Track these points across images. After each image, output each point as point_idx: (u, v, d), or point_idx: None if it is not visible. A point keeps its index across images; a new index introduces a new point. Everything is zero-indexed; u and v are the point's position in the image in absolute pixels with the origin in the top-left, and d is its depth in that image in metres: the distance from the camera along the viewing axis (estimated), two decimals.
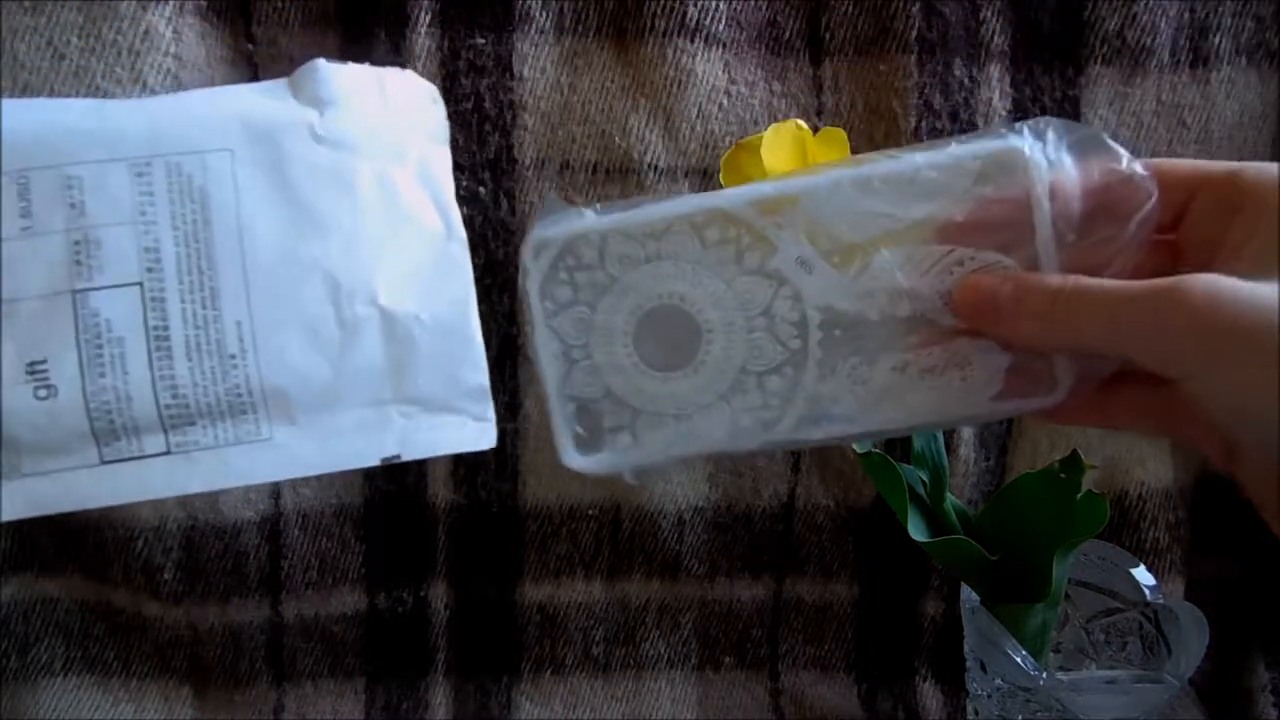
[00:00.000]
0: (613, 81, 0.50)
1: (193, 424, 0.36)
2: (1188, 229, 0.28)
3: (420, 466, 0.52)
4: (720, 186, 0.42)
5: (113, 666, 0.53)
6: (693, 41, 0.49)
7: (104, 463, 0.36)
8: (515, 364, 0.51)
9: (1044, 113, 0.51)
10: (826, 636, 0.56)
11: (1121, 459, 0.54)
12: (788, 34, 0.50)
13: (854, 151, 0.40)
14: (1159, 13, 0.50)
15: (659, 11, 0.49)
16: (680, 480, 0.53)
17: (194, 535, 0.50)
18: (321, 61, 0.39)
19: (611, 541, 0.54)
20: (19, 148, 0.35)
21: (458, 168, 0.46)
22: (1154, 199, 0.27)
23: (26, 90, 0.45)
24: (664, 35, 0.49)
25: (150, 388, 0.35)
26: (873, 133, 0.51)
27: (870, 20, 0.50)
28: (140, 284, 0.36)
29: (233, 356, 0.36)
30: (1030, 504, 0.45)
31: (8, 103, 0.36)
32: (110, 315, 0.35)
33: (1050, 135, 0.28)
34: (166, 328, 0.36)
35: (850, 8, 0.50)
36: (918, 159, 0.29)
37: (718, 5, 0.49)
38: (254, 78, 0.48)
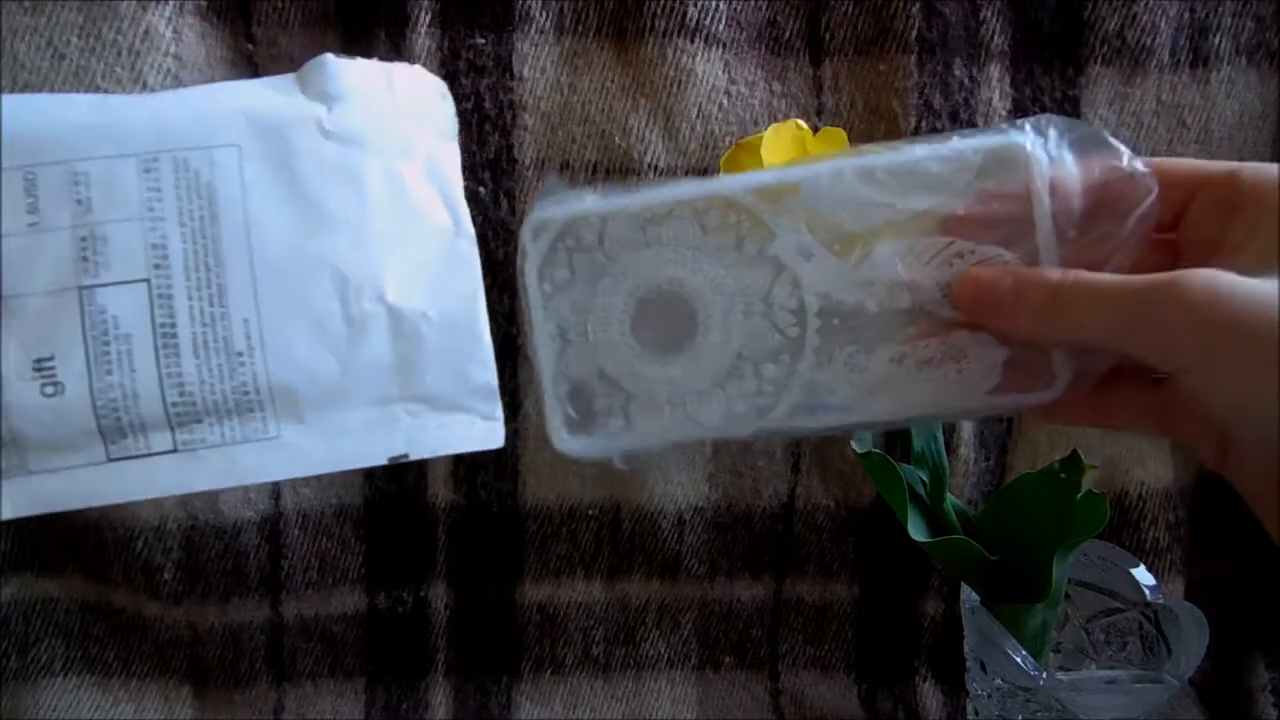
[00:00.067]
0: (613, 81, 0.50)
1: (199, 422, 0.36)
2: (1187, 228, 0.28)
3: (420, 466, 0.52)
4: None
5: (113, 666, 0.53)
6: (693, 41, 0.49)
7: (110, 460, 0.36)
8: (515, 364, 0.51)
9: (1044, 113, 0.51)
10: (826, 636, 0.56)
11: (1121, 459, 0.54)
12: (788, 34, 0.50)
13: None
14: (1159, 13, 0.50)
15: (659, 11, 0.49)
16: (680, 480, 0.53)
17: (194, 535, 0.50)
18: (329, 56, 0.38)
19: (611, 541, 0.54)
20: (25, 143, 0.35)
21: None
22: (1154, 195, 0.27)
23: (26, 90, 0.45)
24: (664, 35, 0.49)
25: (157, 385, 0.35)
26: (873, 133, 0.51)
27: (870, 20, 0.50)
28: (147, 281, 0.35)
29: (240, 354, 0.36)
30: (1030, 504, 0.45)
31: (14, 98, 0.36)
32: (117, 312, 0.35)
33: (1052, 132, 0.28)
34: (174, 325, 0.35)
35: (850, 8, 0.50)
36: (920, 151, 0.29)
37: (718, 5, 0.49)
38: (254, 77, 0.48)
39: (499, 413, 0.39)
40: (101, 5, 0.45)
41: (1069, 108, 0.51)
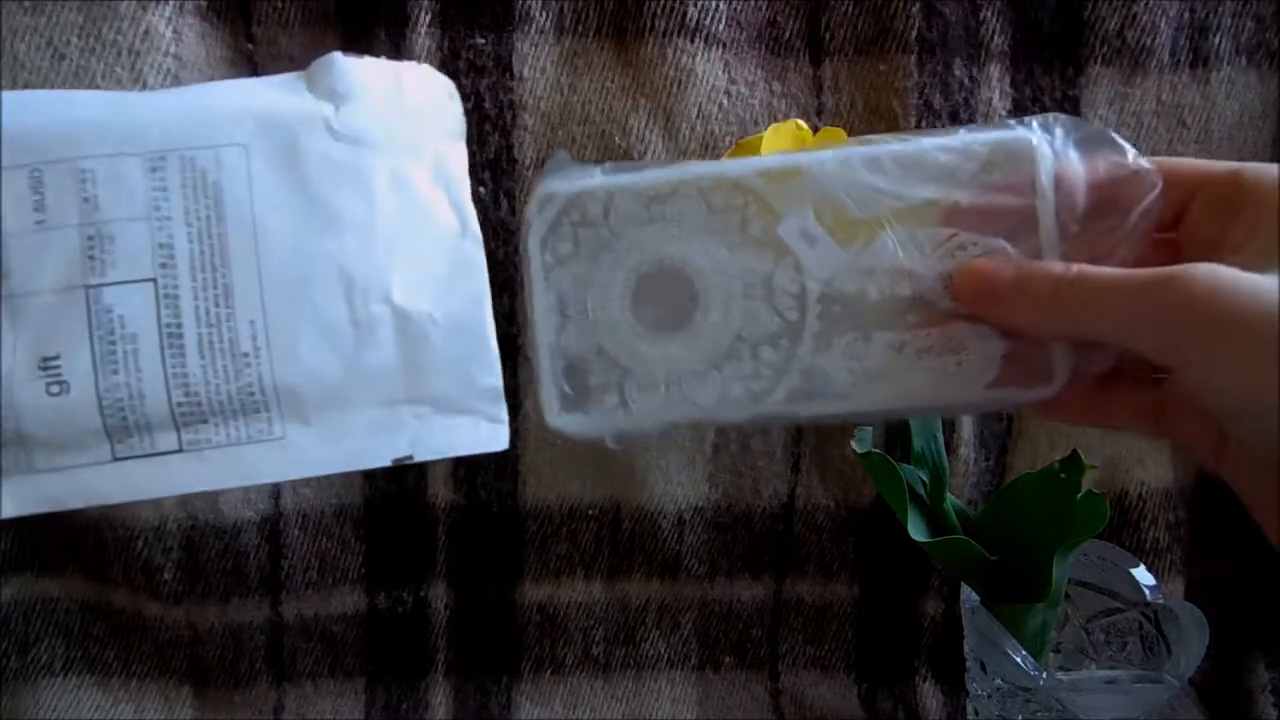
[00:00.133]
0: (613, 81, 0.50)
1: (205, 422, 0.36)
2: (1189, 228, 0.28)
3: (420, 466, 0.52)
4: None
5: (113, 666, 0.53)
6: (693, 41, 0.49)
7: (116, 459, 0.36)
8: (515, 364, 0.51)
9: (1044, 113, 0.51)
10: (826, 636, 0.56)
11: (1121, 459, 0.54)
12: (788, 34, 0.50)
13: None
14: (1159, 13, 0.50)
15: (659, 11, 0.49)
16: (680, 480, 0.53)
17: (194, 535, 0.50)
18: (338, 55, 0.38)
19: (611, 541, 0.54)
20: (32, 140, 0.35)
21: None
22: (1158, 190, 0.27)
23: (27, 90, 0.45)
24: (664, 35, 0.49)
25: (163, 385, 0.35)
26: (873, 133, 0.51)
27: (870, 20, 0.50)
28: (154, 280, 0.35)
29: (245, 355, 0.36)
30: (1030, 504, 0.45)
31: (19, 95, 0.36)
32: (123, 311, 0.35)
33: (1059, 130, 0.28)
34: (180, 325, 0.35)
35: (850, 8, 0.50)
36: (926, 142, 0.29)
37: (718, 5, 0.49)
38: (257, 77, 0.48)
39: (504, 415, 0.39)
40: (101, 5, 0.45)
41: (1069, 108, 0.51)
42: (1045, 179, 0.28)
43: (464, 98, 0.48)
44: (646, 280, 0.30)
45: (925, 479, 0.47)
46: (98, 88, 0.45)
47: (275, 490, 0.51)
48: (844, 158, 0.29)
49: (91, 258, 0.35)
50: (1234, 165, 0.27)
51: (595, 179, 0.30)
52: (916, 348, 0.29)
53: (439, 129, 0.40)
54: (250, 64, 0.48)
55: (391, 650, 0.54)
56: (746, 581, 0.55)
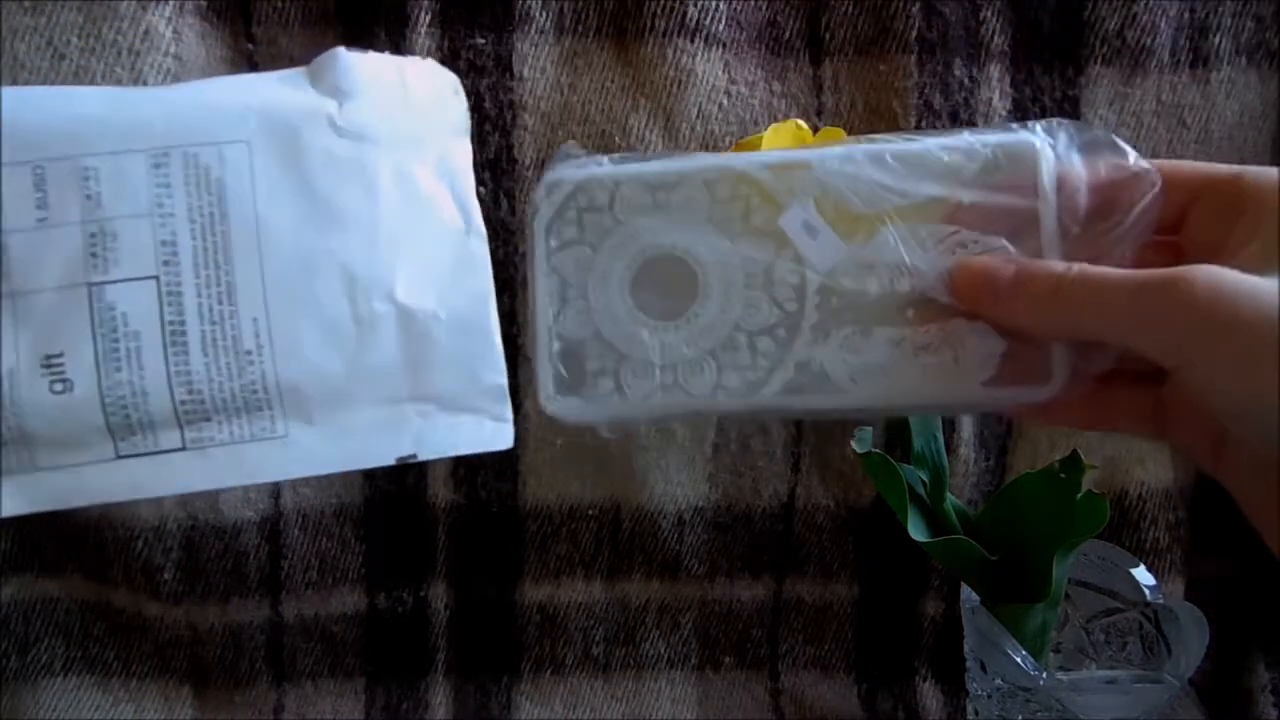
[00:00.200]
0: (613, 81, 0.50)
1: (208, 420, 0.36)
2: (1190, 230, 0.28)
3: (420, 466, 0.52)
4: None
5: (113, 666, 0.53)
6: (693, 41, 0.49)
7: (119, 457, 0.36)
8: (515, 364, 0.51)
9: (1044, 113, 0.51)
10: (826, 636, 0.56)
11: (1121, 459, 0.54)
12: (788, 34, 0.50)
13: None
14: (1159, 13, 0.50)
15: (659, 11, 0.49)
16: (680, 480, 0.53)
17: (194, 535, 0.50)
18: (341, 50, 0.38)
19: (611, 541, 0.54)
20: (34, 137, 0.35)
21: None
22: (1157, 189, 0.27)
23: None
24: (664, 35, 0.49)
25: (166, 383, 0.35)
26: (873, 133, 0.51)
27: (870, 20, 0.50)
28: (157, 278, 0.35)
29: (249, 353, 0.36)
30: (1030, 504, 0.45)
31: (21, 91, 0.36)
32: (126, 309, 0.35)
33: (1062, 135, 0.28)
34: (183, 323, 0.35)
35: (850, 8, 0.50)
36: (931, 141, 0.29)
37: (718, 5, 0.49)
38: None
39: (509, 414, 0.39)
40: (101, 5, 0.45)
41: (1069, 108, 0.51)
42: (1047, 180, 0.28)
43: None
44: (648, 267, 0.30)
45: (925, 479, 0.47)
46: None
47: (275, 490, 0.51)
48: (848, 153, 0.29)
49: (94, 255, 0.35)
50: (1236, 168, 0.27)
51: (603, 167, 0.31)
52: (914, 343, 0.29)
53: (443, 124, 0.39)
54: (250, 64, 0.48)
55: (391, 650, 0.54)
56: (746, 581, 0.55)
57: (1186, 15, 0.51)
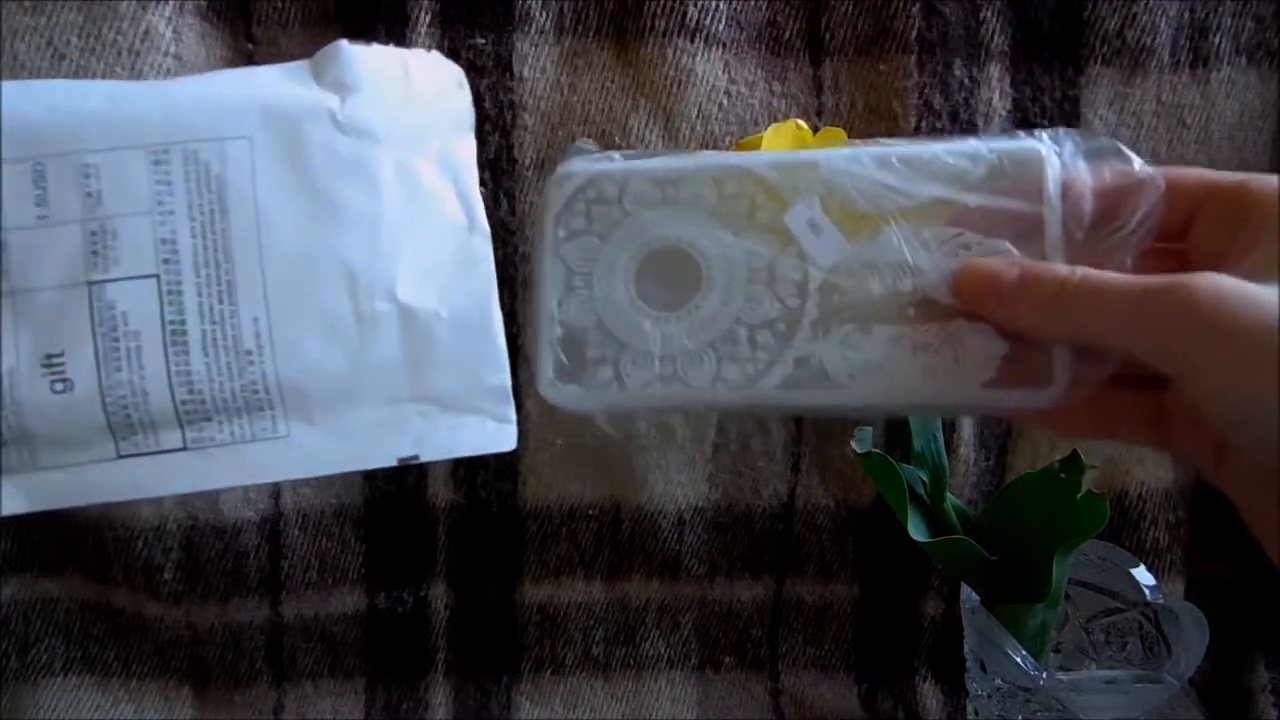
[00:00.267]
0: (613, 81, 0.50)
1: (209, 420, 0.36)
2: (1196, 238, 0.28)
3: (421, 466, 0.52)
4: None
5: (113, 666, 0.53)
6: (693, 41, 0.49)
7: (120, 457, 0.36)
8: (515, 364, 0.51)
9: (1044, 113, 0.51)
10: (826, 636, 0.56)
11: (1121, 459, 0.54)
12: (788, 34, 0.50)
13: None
14: (1159, 13, 0.50)
15: (659, 11, 0.49)
16: (680, 480, 0.53)
17: (194, 535, 0.50)
18: (344, 43, 0.37)
19: (611, 541, 0.54)
20: (35, 133, 0.34)
21: None
22: (1160, 194, 0.27)
23: None
24: (664, 35, 0.49)
25: (166, 383, 0.35)
26: (872, 133, 0.51)
27: (870, 20, 0.50)
28: (157, 276, 0.35)
29: (249, 352, 0.35)
30: (1030, 504, 0.45)
31: (22, 85, 0.35)
32: (126, 308, 0.35)
33: (1068, 142, 0.29)
34: (183, 322, 0.35)
35: (850, 8, 0.50)
36: (937, 146, 0.29)
37: (718, 5, 0.49)
38: None
39: (512, 414, 0.39)
40: (101, 5, 0.45)
41: (1069, 107, 0.51)
42: (1052, 186, 0.28)
43: None
44: (653, 259, 0.30)
45: (925, 479, 0.47)
46: None
47: (275, 490, 0.51)
48: (854, 154, 0.30)
49: (94, 253, 0.35)
50: (1240, 176, 0.28)
51: (614, 162, 0.31)
52: (915, 343, 0.29)
53: (446, 119, 0.39)
54: (250, 64, 0.48)
55: (391, 650, 0.54)
56: (746, 581, 0.55)
57: (1186, 15, 0.51)
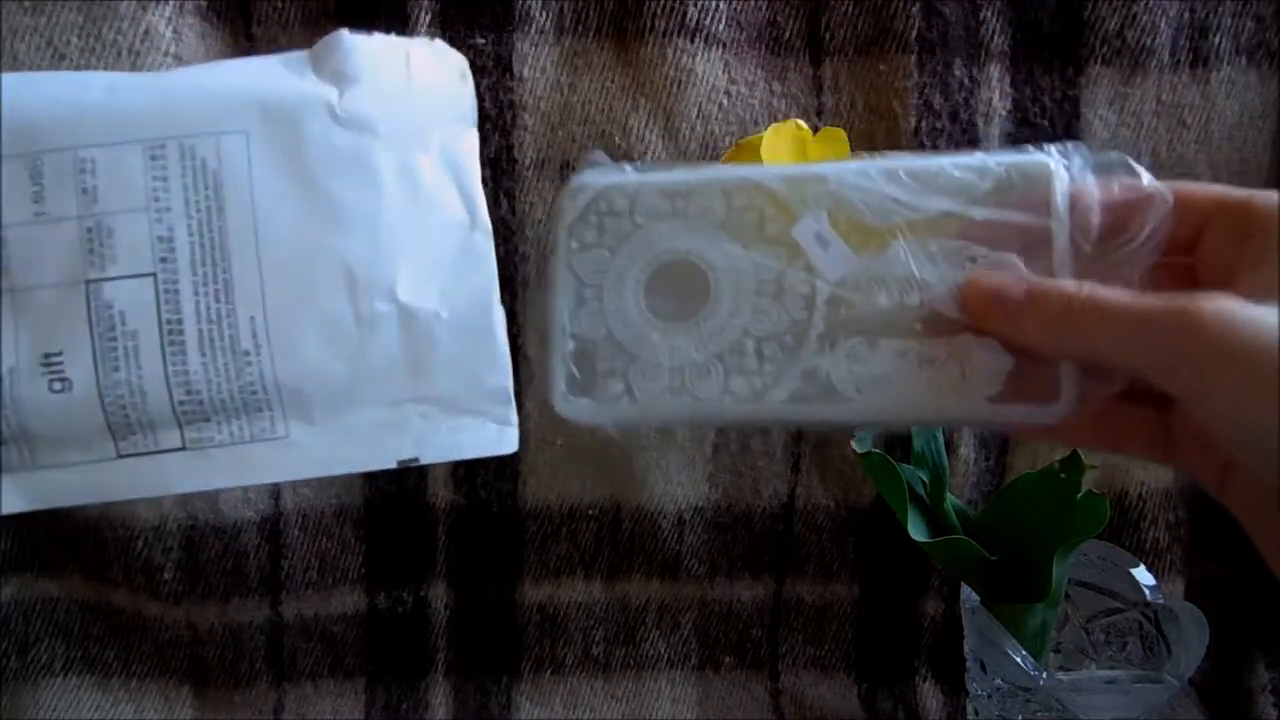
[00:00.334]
0: (613, 81, 0.50)
1: (208, 420, 0.35)
2: (1204, 253, 0.28)
3: (420, 466, 0.52)
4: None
5: (113, 666, 0.53)
6: (693, 41, 0.49)
7: (120, 456, 0.35)
8: (516, 364, 0.51)
9: (1044, 112, 0.51)
10: (826, 636, 0.56)
11: (1121, 460, 0.54)
12: (788, 34, 0.50)
13: (854, 152, 0.40)
14: (1159, 13, 0.50)
15: (659, 11, 0.49)
16: (680, 480, 0.53)
17: (194, 535, 0.50)
18: (344, 33, 0.37)
19: (611, 541, 0.54)
20: (31, 127, 0.34)
21: None
22: (1168, 208, 0.27)
23: None
24: (664, 35, 0.49)
25: (164, 384, 0.35)
26: (873, 133, 0.51)
27: (870, 20, 0.50)
28: (154, 275, 0.34)
29: (246, 353, 0.35)
30: (1030, 504, 0.45)
31: (18, 77, 0.35)
32: (124, 307, 0.34)
33: (1076, 156, 0.29)
34: (180, 321, 0.35)
35: (850, 8, 0.50)
36: (945, 159, 0.29)
37: (718, 5, 0.49)
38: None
39: (513, 417, 0.38)
40: (101, 5, 0.45)
41: (1069, 107, 0.51)
42: (1060, 200, 0.28)
43: None
44: (662, 272, 0.31)
45: (925, 479, 0.47)
46: None
47: (275, 490, 0.51)
48: (862, 168, 0.30)
49: (91, 251, 0.34)
50: (1246, 192, 0.28)
51: (626, 175, 0.31)
52: (921, 356, 0.29)
53: (448, 111, 0.38)
54: None
55: (391, 650, 0.54)
56: (746, 581, 0.55)
57: (1186, 15, 0.51)
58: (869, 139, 0.51)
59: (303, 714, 0.53)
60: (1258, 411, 0.24)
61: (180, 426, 0.35)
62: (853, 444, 0.43)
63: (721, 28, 0.49)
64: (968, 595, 0.47)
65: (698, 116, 0.50)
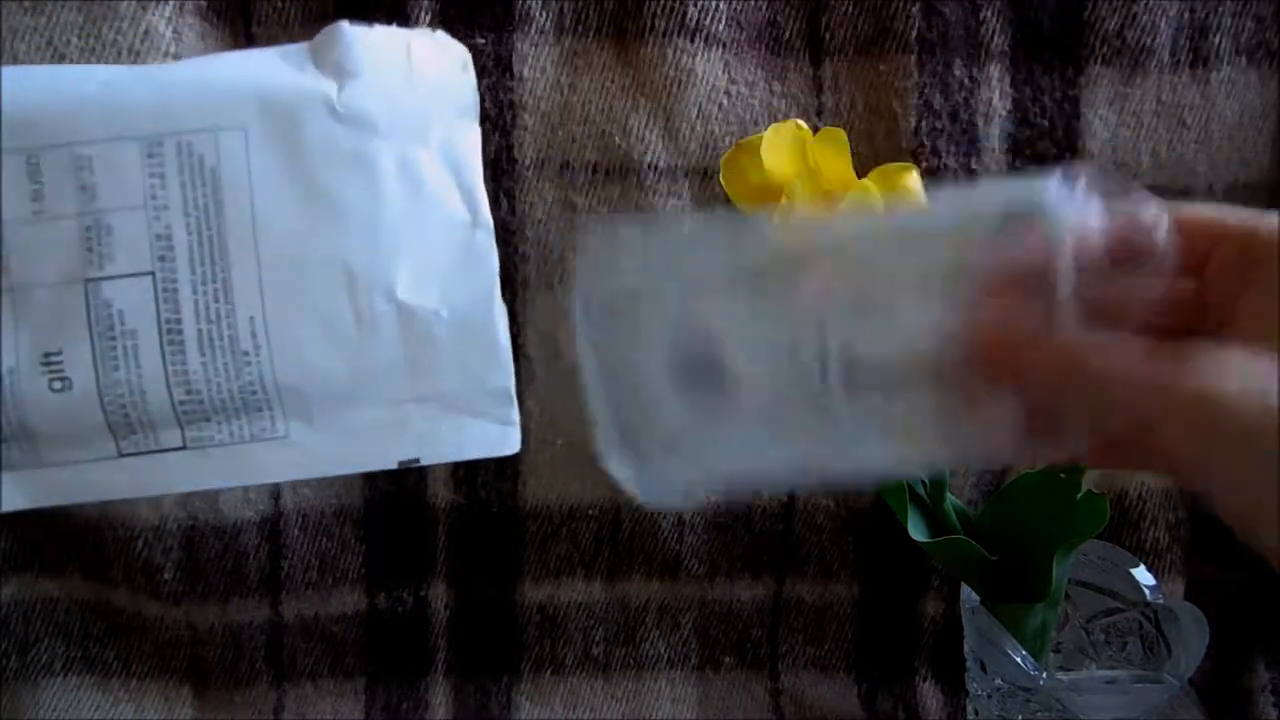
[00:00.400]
0: (613, 81, 0.50)
1: (208, 420, 0.35)
2: (1210, 279, 0.27)
3: (421, 466, 0.52)
4: (721, 187, 0.42)
5: (113, 666, 0.53)
6: (693, 41, 0.49)
7: (121, 455, 0.35)
8: (516, 364, 0.51)
9: (1044, 113, 0.51)
10: (826, 636, 0.56)
11: None
12: (788, 34, 0.50)
13: (854, 153, 0.40)
14: (1159, 13, 0.50)
15: (659, 11, 0.49)
16: None
17: (194, 535, 0.50)
18: (345, 25, 0.36)
19: (611, 541, 0.54)
20: (29, 123, 0.33)
21: None
22: (1171, 241, 0.27)
23: None
24: (664, 35, 0.49)
25: (164, 383, 0.34)
26: (873, 133, 0.51)
27: (870, 20, 0.50)
28: (152, 274, 0.34)
29: (246, 353, 0.35)
30: (1030, 504, 0.45)
31: (15, 71, 0.34)
32: (123, 306, 0.34)
33: (1077, 185, 0.28)
34: (179, 321, 0.34)
35: (850, 8, 0.50)
36: (944, 204, 0.29)
37: (718, 5, 0.49)
38: None
39: (515, 417, 0.38)
40: (101, 5, 0.45)
41: (1069, 108, 0.51)
42: (1062, 236, 0.27)
43: None
44: (676, 340, 0.30)
45: (925, 479, 0.47)
46: None
47: (275, 490, 0.51)
48: (866, 223, 0.30)
49: (90, 250, 0.34)
50: (1250, 220, 0.27)
51: (633, 241, 0.31)
52: (938, 405, 0.29)
53: (450, 105, 0.37)
54: None
55: (391, 650, 0.54)
56: (746, 581, 0.55)
57: (1186, 15, 0.51)
58: (869, 139, 0.51)
59: (303, 714, 0.53)
60: (1259, 496, 0.23)
61: (181, 426, 0.35)
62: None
63: (721, 28, 0.49)
64: (968, 595, 0.47)
65: (698, 116, 0.50)
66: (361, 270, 0.36)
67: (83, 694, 0.53)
